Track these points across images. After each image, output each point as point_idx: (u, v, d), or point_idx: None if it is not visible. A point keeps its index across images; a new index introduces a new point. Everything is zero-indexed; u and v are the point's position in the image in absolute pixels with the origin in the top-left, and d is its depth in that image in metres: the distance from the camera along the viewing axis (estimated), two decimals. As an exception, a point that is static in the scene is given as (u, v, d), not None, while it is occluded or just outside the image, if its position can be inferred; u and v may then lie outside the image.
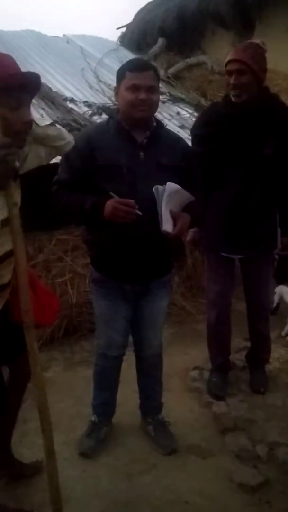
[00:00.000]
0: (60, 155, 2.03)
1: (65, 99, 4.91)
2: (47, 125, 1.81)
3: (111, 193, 1.95)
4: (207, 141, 2.53)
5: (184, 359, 3.28)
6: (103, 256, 2.19)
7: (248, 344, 3.00)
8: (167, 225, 1.96)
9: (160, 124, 2.17)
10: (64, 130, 1.94)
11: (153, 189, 1.96)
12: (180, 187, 1.99)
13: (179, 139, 2.25)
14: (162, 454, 2.39)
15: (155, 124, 2.12)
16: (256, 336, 2.88)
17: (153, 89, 2.00)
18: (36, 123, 1.76)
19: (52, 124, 1.86)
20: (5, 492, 2.14)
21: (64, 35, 7.51)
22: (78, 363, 3.31)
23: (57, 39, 7.33)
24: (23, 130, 1.59)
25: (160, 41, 7.03)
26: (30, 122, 1.63)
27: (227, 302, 2.76)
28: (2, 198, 1.56)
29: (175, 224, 1.98)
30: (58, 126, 1.91)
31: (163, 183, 1.96)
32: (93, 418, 2.49)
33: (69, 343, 3.56)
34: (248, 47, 2.43)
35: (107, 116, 4.85)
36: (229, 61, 2.41)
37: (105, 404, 2.49)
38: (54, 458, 1.76)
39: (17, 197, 1.70)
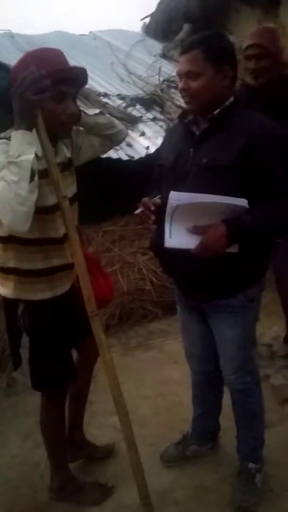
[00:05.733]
0: (115, 145, 2.05)
1: (99, 94, 5.00)
2: (96, 114, 1.86)
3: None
4: None
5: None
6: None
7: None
8: (172, 241, 1.62)
9: (230, 110, 1.66)
10: (114, 119, 1.96)
11: (170, 194, 1.58)
12: (189, 198, 1.56)
13: (247, 129, 1.62)
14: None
15: (217, 111, 1.65)
16: None
17: (192, 74, 1.60)
18: (85, 113, 1.82)
19: (101, 113, 1.89)
20: (80, 468, 2.28)
21: (90, 32, 7.58)
22: (135, 347, 3.43)
23: (84, 37, 7.41)
24: (68, 121, 1.65)
25: (186, 26, 6.97)
26: (75, 114, 1.68)
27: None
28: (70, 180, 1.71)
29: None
30: (107, 115, 1.94)
31: (208, 187, 1.58)
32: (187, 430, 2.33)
33: (124, 330, 3.67)
34: (266, 31, 2.47)
35: (141, 107, 4.96)
36: (248, 46, 2.42)
37: (196, 422, 2.29)
38: (136, 449, 1.81)
39: (70, 187, 1.79)
